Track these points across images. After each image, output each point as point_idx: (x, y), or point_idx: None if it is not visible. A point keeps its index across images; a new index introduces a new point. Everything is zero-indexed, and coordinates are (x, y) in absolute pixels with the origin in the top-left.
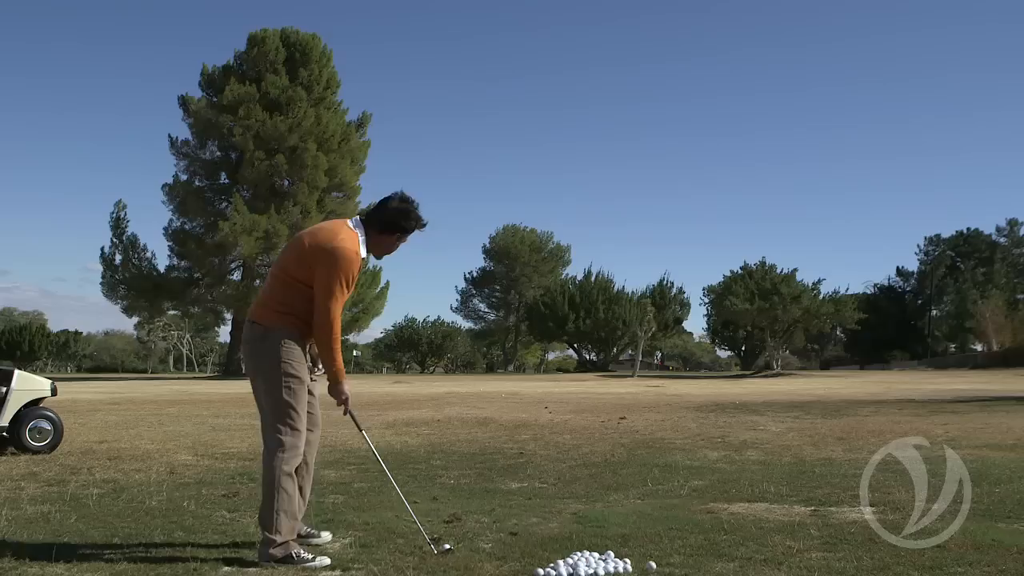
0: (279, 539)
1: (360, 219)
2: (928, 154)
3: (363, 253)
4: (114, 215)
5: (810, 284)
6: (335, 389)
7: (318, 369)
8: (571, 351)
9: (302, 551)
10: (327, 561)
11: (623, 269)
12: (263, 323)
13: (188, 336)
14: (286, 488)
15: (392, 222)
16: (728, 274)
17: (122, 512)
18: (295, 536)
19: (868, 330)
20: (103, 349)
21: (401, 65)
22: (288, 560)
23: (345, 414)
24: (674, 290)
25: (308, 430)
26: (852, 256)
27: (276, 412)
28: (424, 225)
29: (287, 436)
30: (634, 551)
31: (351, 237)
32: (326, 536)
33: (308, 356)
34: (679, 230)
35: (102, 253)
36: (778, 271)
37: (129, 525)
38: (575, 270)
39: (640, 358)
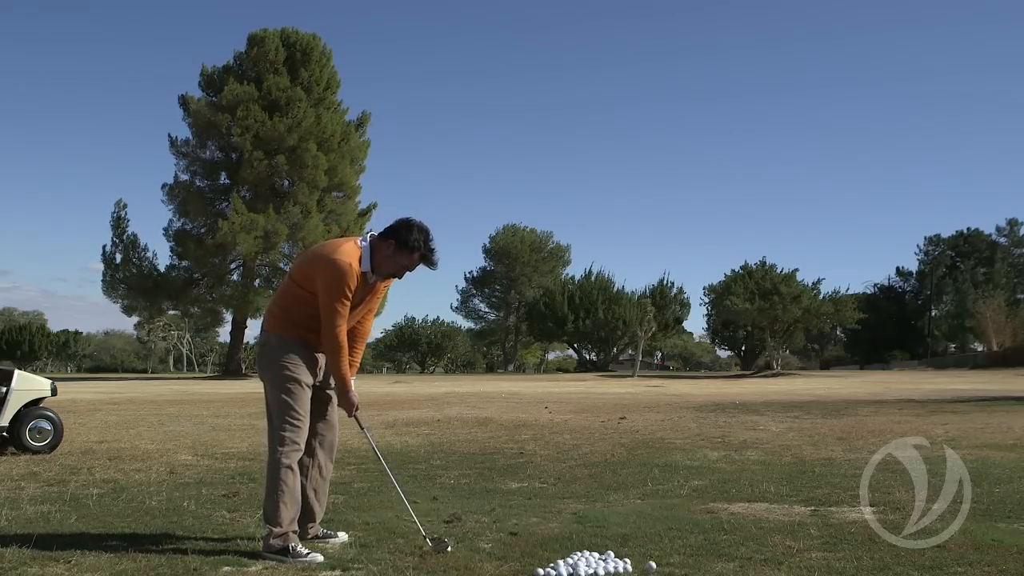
0: (278, 530)
1: (373, 234)
2: (928, 154)
3: (364, 268)
4: (115, 214)
5: (810, 284)
6: (343, 400)
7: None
8: (571, 351)
9: (299, 546)
10: (320, 558)
11: (623, 269)
12: (266, 328)
13: (188, 336)
14: (286, 481)
15: (394, 230)
16: (728, 274)
17: (122, 512)
18: (295, 529)
19: (868, 330)
20: (103, 349)
21: (401, 65)
22: (284, 552)
23: (350, 416)
24: (674, 290)
25: (321, 433)
26: (852, 256)
27: (276, 411)
28: (430, 254)
29: (287, 432)
30: (634, 551)
31: (351, 251)
32: (343, 536)
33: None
34: (679, 230)
35: (103, 252)
36: (778, 271)
37: (129, 525)
38: (575, 270)
39: (640, 358)
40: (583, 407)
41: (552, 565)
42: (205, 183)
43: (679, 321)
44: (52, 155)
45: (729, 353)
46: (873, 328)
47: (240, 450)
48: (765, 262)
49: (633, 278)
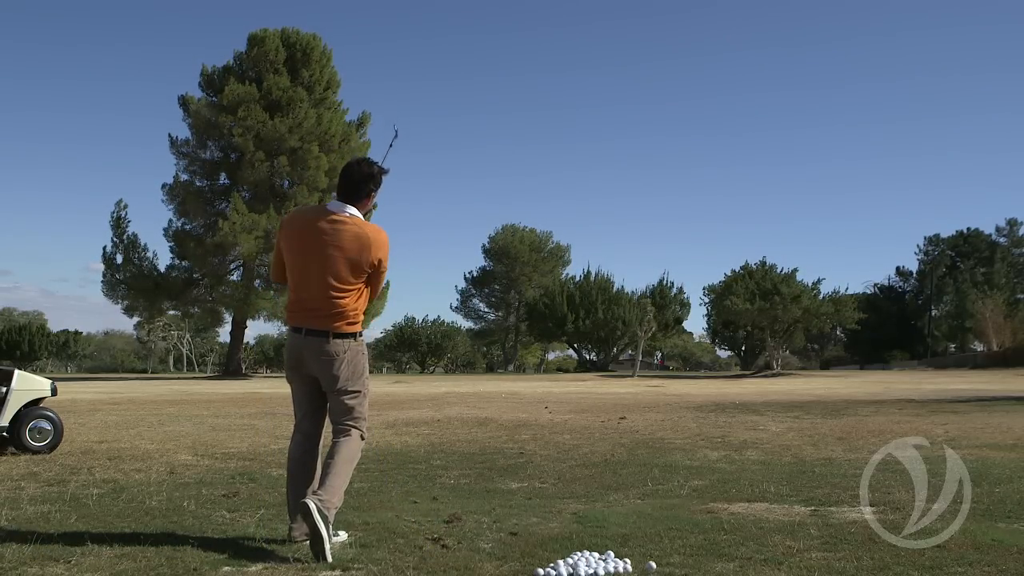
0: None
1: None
2: (928, 154)
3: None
4: (114, 215)
5: (810, 284)
6: None
7: None
8: (571, 351)
9: (293, 532)
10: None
11: (623, 269)
12: None
13: (188, 336)
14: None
15: (347, 184)
16: (728, 274)
17: (122, 512)
18: (294, 520)
19: (868, 330)
20: (103, 349)
21: (401, 65)
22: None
23: None
24: (674, 290)
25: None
26: (852, 256)
27: None
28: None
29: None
30: (634, 551)
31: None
32: (343, 536)
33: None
34: (679, 230)
35: (103, 253)
36: (778, 271)
37: (129, 525)
38: (575, 270)
39: (640, 358)
40: (583, 407)
41: (552, 565)
42: (205, 183)
43: (679, 321)
44: (52, 155)
45: (729, 353)
46: (873, 328)
47: (240, 450)
48: (765, 262)
49: (633, 278)
